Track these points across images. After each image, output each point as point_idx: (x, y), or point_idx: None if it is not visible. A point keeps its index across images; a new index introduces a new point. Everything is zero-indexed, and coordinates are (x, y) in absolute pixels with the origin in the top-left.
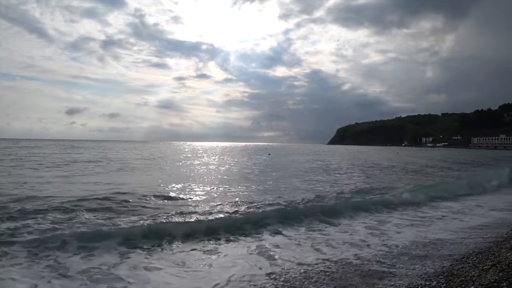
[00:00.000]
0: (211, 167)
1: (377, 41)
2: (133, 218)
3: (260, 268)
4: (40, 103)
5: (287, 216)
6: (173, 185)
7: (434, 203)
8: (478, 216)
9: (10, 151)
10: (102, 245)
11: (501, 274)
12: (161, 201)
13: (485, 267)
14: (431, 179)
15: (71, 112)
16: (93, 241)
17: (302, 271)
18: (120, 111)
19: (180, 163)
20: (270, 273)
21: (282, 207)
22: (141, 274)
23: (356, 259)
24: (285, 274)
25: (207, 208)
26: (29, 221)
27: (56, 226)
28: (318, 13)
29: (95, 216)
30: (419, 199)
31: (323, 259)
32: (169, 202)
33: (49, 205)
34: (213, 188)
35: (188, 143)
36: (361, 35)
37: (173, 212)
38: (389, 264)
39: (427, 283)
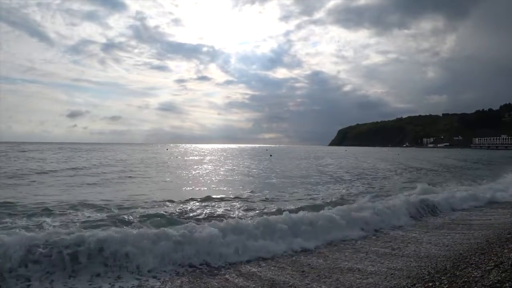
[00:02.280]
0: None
1: (377, 42)
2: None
3: None
4: (42, 106)
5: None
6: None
7: None
8: None
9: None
10: None
11: (504, 274)
12: None
13: (487, 267)
14: None
15: (72, 115)
16: None
17: None
18: (121, 114)
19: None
20: None
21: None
22: None
23: None
24: None
25: None
26: None
27: None
28: (319, 15)
29: None
30: None
31: None
32: None
33: None
34: None
35: (194, 145)
36: (361, 36)
37: None
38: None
39: (430, 284)
